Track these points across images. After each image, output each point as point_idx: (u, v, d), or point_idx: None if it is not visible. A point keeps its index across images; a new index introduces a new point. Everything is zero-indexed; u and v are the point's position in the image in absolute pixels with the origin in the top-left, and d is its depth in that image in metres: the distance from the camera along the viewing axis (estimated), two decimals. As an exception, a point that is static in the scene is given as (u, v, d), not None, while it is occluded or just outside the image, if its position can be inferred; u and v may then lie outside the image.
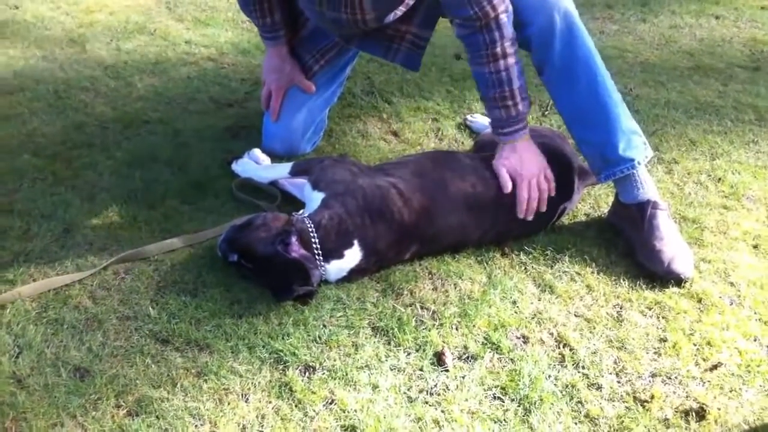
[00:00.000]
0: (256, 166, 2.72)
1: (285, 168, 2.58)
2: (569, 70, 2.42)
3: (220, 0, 4.44)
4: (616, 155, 2.42)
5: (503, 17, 2.29)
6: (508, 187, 2.39)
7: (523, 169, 2.40)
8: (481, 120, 3.12)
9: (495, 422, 1.86)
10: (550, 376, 2.00)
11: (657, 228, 2.40)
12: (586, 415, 1.89)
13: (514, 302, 2.24)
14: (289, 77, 2.77)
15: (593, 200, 2.71)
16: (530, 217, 2.42)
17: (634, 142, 2.44)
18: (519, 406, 1.90)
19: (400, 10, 2.51)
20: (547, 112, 3.27)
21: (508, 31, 2.31)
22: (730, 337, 2.15)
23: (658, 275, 2.33)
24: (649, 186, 2.47)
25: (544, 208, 2.43)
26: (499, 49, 2.30)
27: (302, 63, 2.79)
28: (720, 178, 2.87)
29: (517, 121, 2.39)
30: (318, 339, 2.07)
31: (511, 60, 2.33)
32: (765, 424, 1.88)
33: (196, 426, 1.81)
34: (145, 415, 1.82)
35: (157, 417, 1.82)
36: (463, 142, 3.05)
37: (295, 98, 2.77)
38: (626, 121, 2.45)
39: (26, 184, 2.63)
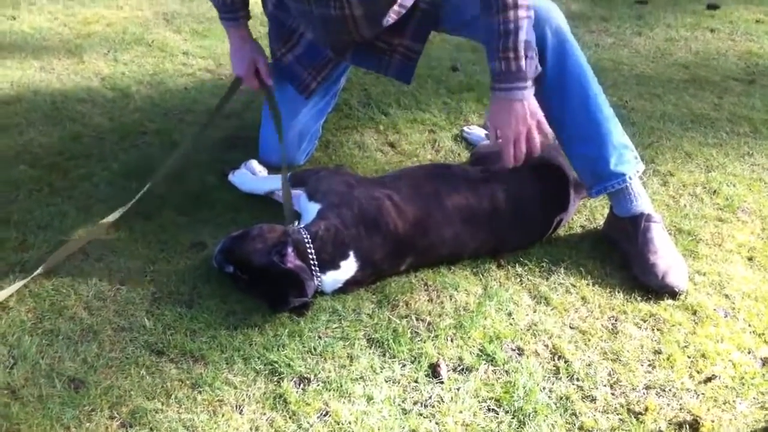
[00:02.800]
0: (253, 177, 2.73)
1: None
2: (561, 86, 2.43)
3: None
4: (608, 170, 2.43)
5: None
6: (494, 142, 2.38)
7: (510, 129, 2.31)
8: (477, 132, 3.13)
9: (489, 434, 1.87)
10: (544, 388, 2.00)
11: (651, 241, 2.40)
12: (580, 428, 1.89)
13: (510, 314, 2.25)
14: (251, 60, 2.75)
15: (589, 212, 2.71)
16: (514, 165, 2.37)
17: (625, 157, 2.45)
18: (513, 418, 1.90)
19: (392, 17, 2.50)
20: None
21: None
22: (724, 349, 2.15)
23: (652, 288, 2.34)
24: (642, 199, 2.47)
25: (536, 152, 2.36)
26: (510, 0, 2.22)
27: (299, 81, 2.79)
28: (715, 191, 2.87)
29: (516, 79, 2.27)
30: (313, 350, 2.08)
31: (521, 12, 2.23)
32: (759, 436, 1.89)
33: (190, 437, 1.81)
34: (139, 427, 1.82)
35: (151, 429, 1.82)
36: (459, 154, 3.06)
37: (289, 110, 2.77)
38: (618, 136, 2.46)
39: (22, 194, 2.64)
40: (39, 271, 2.25)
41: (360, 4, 2.41)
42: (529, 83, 2.29)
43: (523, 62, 2.25)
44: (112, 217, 2.45)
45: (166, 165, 2.63)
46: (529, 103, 2.30)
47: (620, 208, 2.48)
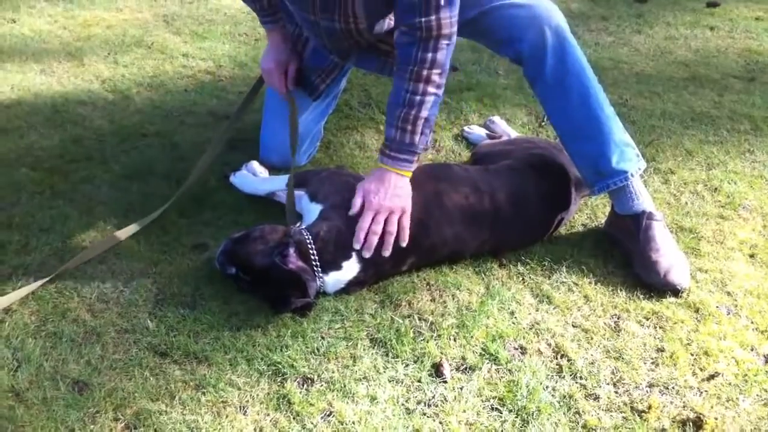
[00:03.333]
0: (254, 178, 2.73)
1: (283, 180, 2.59)
2: (561, 85, 2.43)
3: (217, 13, 4.46)
4: (609, 168, 2.43)
5: (444, 42, 2.23)
6: (355, 208, 2.28)
7: (378, 198, 2.26)
8: (478, 132, 3.13)
9: (493, 433, 1.87)
10: (547, 387, 2.00)
11: (653, 239, 2.41)
12: (584, 426, 1.89)
13: (512, 313, 2.25)
14: (284, 61, 2.74)
15: (590, 211, 2.72)
16: (366, 254, 2.24)
17: (627, 155, 2.45)
18: (517, 417, 1.91)
19: (389, 23, 2.51)
20: (543, 123, 3.28)
21: (442, 61, 2.25)
22: (727, 346, 2.15)
23: (654, 286, 2.34)
24: (644, 197, 2.48)
25: (386, 253, 2.26)
26: (425, 73, 2.24)
27: (309, 83, 2.80)
28: (716, 188, 2.88)
29: (407, 152, 2.29)
30: (316, 351, 2.08)
31: (431, 89, 2.25)
32: (762, 433, 1.89)
33: (194, 439, 1.82)
34: (143, 429, 1.82)
35: (155, 430, 1.82)
36: (460, 154, 3.06)
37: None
38: (619, 133, 2.46)
39: (24, 197, 2.64)
40: (56, 273, 2.27)
41: (365, 17, 2.41)
42: (415, 160, 2.31)
43: (417, 137, 2.28)
44: (136, 226, 2.47)
45: (198, 168, 2.66)
46: (406, 185, 2.30)
47: (622, 206, 2.48)
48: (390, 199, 2.26)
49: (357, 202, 2.28)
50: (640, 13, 4.74)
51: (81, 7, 4.44)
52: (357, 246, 2.24)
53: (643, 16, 4.69)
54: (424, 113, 2.26)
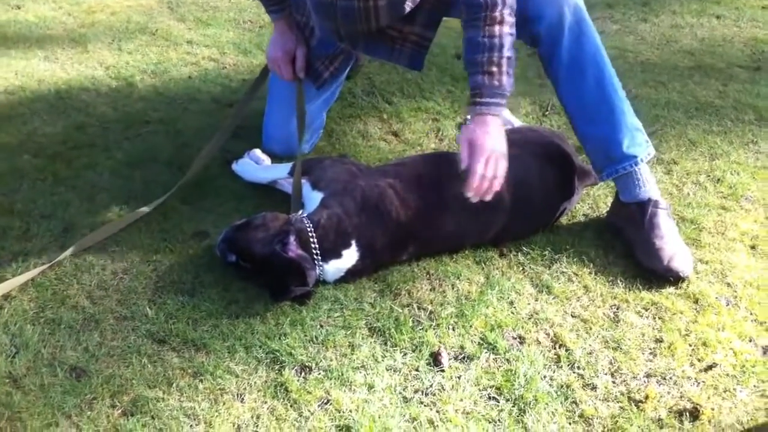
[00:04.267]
0: (256, 166, 2.73)
1: (285, 168, 2.59)
2: (577, 65, 2.42)
3: (221, 0, 4.44)
4: (620, 152, 2.43)
5: None
6: (464, 160, 2.19)
7: (488, 143, 2.19)
8: (480, 120, 3.11)
9: (490, 422, 1.87)
10: (545, 377, 2.01)
11: (657, 226, 2.40)
12: (581, 416, 1.90)
13: (512, 302, 2.25)
14: (290, 48, 2.73)
15: (592, 201, 2.71)
16: (474, 199, 2.19)
17: (637, 139, 2.44)
18: (514, 406, 1.91)
19: (409, 5, 2.48)
20: (547, 113, 3.28)
21: (511, 0, 2.23)
22: (725, 337, 2.15)
23: (657, 273, 2.34)
24: (650, 185, 2.47)
25: (487, 198, 2.21)
26: (498, 14, 2.21)
27: (312, 70, 2.79)
28: (719, 179, 2.86)
29: (498, 95, 2.23)
30: (315, 339, 2.08)
31: (506, 29, 2.23)
32: (759, 424, 1.89)
33: (191, 426, 1.82)
34: (140, 415, 1.83)
35: (152, 417, 1.83)
36: (462, 143, 3.05)
37: (293, 99, 2.76)
38: (630, 117, 2.46)
39: (26, 184, 2.65)
40: (69, 253, 2.30)
41: None
42: (505, 103, 2.26)
43: (504, 78, 2.23)
44: (149, 207, 2.50)
45: (202, 156, 2.67)
46: (502, 128, 2.27)
47: (628, 193, 2.47)
48: (495, 143, 2.20)
49: (464, 153, 2.20)
50: (646, 1, 4.71)
51: (86, -6, 4.44)
52: (470, 193, 2.18)
53: (649, 5, 4.66)
54: (507, 53, 2.22)
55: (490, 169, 2.17)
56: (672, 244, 2.37)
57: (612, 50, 3.89)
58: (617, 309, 2.24)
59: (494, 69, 2.21)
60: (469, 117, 2.22)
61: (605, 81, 2.43)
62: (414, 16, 2.56)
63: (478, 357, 2.06)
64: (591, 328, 2.17)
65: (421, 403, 1.92)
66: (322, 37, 2.71)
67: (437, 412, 1.89)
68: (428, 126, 3.16)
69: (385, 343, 2.09)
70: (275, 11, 2.69)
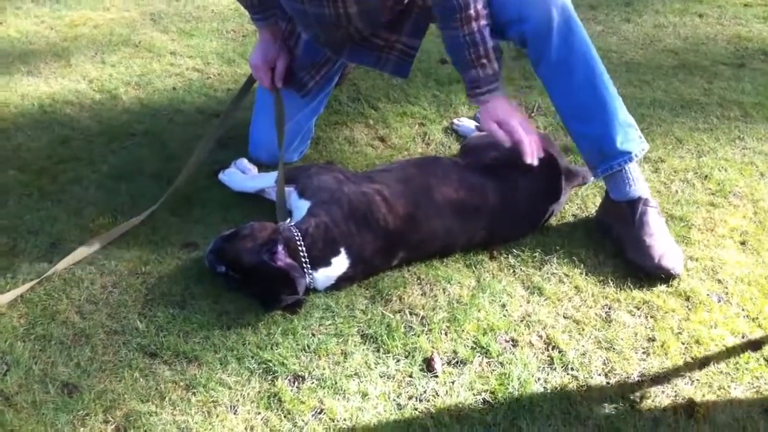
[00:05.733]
0: (243, 175, 2.72)
1: (272, 177, 2.58)
2: (567, 64, 2.42)
3: (204, 11, 4.44)
4: (614, 148, 2.42)
5: None
6: (507, 139, 2.36)
7: (511, 116, 2.37)
8: (467, 124, 3.12)
9: (485, 427, 1.86)
10: (539, 379, 2.00)
11: (648, 224, 2.40)
12: (576, 417, 1.89)
13: (503, 305, 2.24)
14: (273, 57, 2.73)
15: (581, 201, 2.71)
16: (535, 161, 2.35)
17: (630, 135, 2.44)
18: (508, 409, 1.91)
19: (386, 15, 2.49)
20: (533, 114, 3.28)
21: None
22: (718, 334, 2.15)
23: (647, 271, 2.34)
24: (640, 183, 2.47)
25: (542, 153, 2.39)
26: (472, 11, 2.29)
27: (298, 79, 2.78)
28: (707, 176, 2.87)
29: (494, 80, 2.39)
30: (307, 348, 2.07)
31: (483, 21, 2.32)
32: (754, 421, 1.88)
33: (185, 439, 1.81)
34: (133, 430, 1.82)
35: (145, 431, 1.82)
36: (450, 147, 3.05)
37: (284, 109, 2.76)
38: (623, 113, 2.45)
39: (12, 199, 2.63)
40: (58, 267, 2.29)
41: (355, 1, 2.40)
42: (500, 83, 2.41)
43: (495, 64, 2.37)
44: (142, 216, 2.50)
45: (188, 165, 2.67)
46: (506, 99, 2.43)
47: (617, 192, 2.47)
48: (513, 113, 2.39)
49: (499, 132, 2.38)
50: (629, 1, 4.72)
51: (68, 8, 4.42)
52: (530, 159, 2.34)
53: (632, 5, 4.67)
54: (490, 43, 2.34)
55: (525, 132, 2.36)
56: (662, 242, 2.37)
57: (596, 51, 3.91)
58: (609, 309, 2.24)
59: (484, 61, 2.35)
60: (480, 108, 2.45)
61: (596, 79, 2.43)
62: (400, 25, 2.56)
63: (472, 361, 2.05)
64: (583, 329, 2.16)
65: (416, 409, 1.91)
66: (308, 43, 2.70)
67: (432, 418, 1.88)
68: (414, 131, 3.16)
69: (378, 350, 2.08)
70: (259, 19, 2.69)
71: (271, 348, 2.06)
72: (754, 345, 2.12)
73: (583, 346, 2.11)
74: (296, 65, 2.77)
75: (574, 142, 2.56)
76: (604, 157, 2.46)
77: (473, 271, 2.37)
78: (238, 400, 1.91)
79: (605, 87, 2.44)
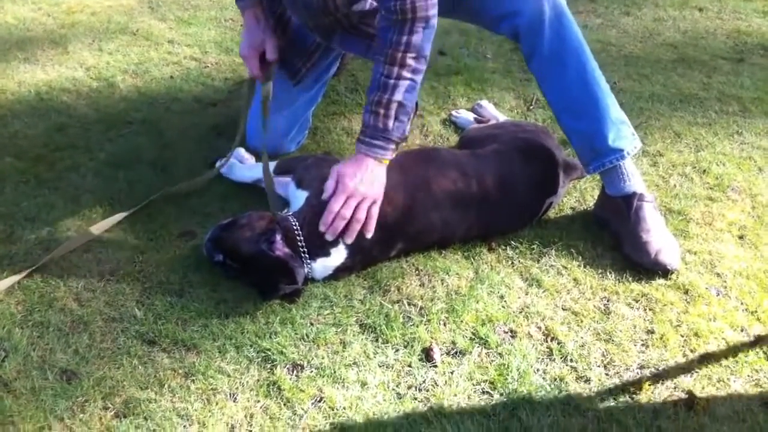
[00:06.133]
0: (241, 165, 2.71)
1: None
2: (559, 59, 2.42)
3: (202, -1, 4.42)
4: (606, 146, 2.42)
5: (419, 25, 2.19)
6: (328, 191, 2.22)
7: (353, 183, 2.20)
8: (465, 116, 3.11)
9: (484, 417, 1.86)
10: (538, 370, 2.00)
11: (644, 219, 2.40)
12: (575, 408, 1.89)
13: (502, 297, 2.24)
14: (260, 41, 2.63)
15: (579, 194, 2.71)
16: (329, 237, 2.21)
17: (622, 132, 2.44)
18: (507, 400, 1.91)
19: (372, 3, 2.47)
20: (532, 107, 3.27)
21: (418, 44, 2.20)
22: (717, 327, 2.15)
23: (644, 267, 2.34)
24: (635, 178, 2.47)
25: (348, 240, 2.22)
26: (399, 55, 2.19)
27: (289, 66, 2.76)
28: (705, 170, 2.87)
29: (381, 138, 2.23)
30: (305, 337, 2.07)
31: (405, 73, 2.21)
32: (753, 413, 1.89)
33: (184, 426, 1.81)
34: (132, 417, 1.82)
35: (144, 418, 1.82)
36: (448, 138, 3.05)
37: (278, 99, 2.73)
38: (615, 110, 2.45)
39: (9, 187, 2.62)
40: (55, 254, 2.28)
41: None
42: (392, 149, 2.25)
43: (391, 122, 2.22)
44: (122, 215, 2.47)
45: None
46: (382, 174, 2.25)
47: (613, 187, 2.48)
48: (364, 185, 2.21)
49: (330, 185, 2.23)
50: (628, -5, 4.73)
51: (65, -6, 4.40)
52: (323, 228, 2.19)
53: (631, -2, 4.68)
54: (398, 97, 2.21)
55: (348, 209, 2.18)
56: (659, 238, 2.37)
57: (595, 44, 3.91)
58: (608, 301, 2.24)
59: (381, 110, 2.22)
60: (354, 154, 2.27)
61: (588, 75, 2.43)
62: None
63: (470, 352, 2.05)
64: (582, 321, 2.16)
65: (415, 399, 1.91)
66: (300, 28, 2.68)
67: (431, 407, 1.88)
68: (413, 122, 3.14)
69: (377, 340, 2.08)
70: (241, 1, 2.64)
71: (270, 337, 2.06)
72: (754, 338, 2.12)
73: (581, 337, 2.11)
74: (290, 52, 2.75)
75: (567, 138, 2.56)
76: (595, 154, 2.46)
77: (471, 263, 2.37)
78: (237, 388, 1.91)
79: (597, 84, 2.44)
